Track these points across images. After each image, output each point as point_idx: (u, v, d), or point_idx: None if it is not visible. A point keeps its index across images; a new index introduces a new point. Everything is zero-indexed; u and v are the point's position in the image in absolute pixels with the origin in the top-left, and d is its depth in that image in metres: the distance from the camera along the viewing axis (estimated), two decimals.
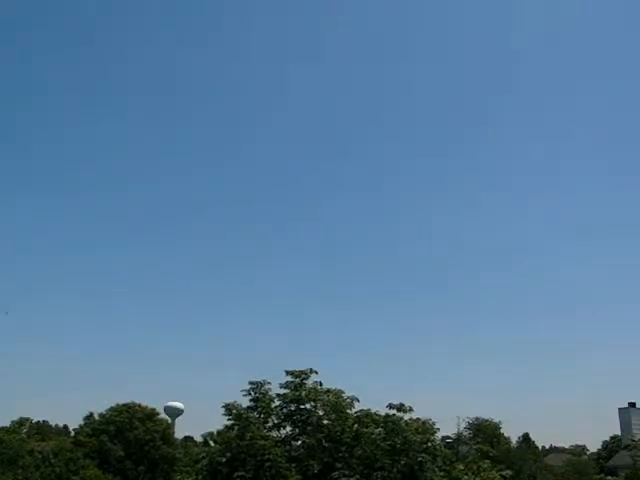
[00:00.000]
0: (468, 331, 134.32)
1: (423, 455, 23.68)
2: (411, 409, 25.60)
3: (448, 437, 40.00)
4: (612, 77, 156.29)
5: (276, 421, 26.54)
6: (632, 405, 63.46)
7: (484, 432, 55.38)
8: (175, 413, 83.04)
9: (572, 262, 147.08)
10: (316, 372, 26.90)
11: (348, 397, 26.34)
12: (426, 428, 24.99)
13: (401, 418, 25.28)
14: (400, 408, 25.56)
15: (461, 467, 24.64)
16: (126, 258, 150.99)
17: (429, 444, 24.77)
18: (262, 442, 24.36)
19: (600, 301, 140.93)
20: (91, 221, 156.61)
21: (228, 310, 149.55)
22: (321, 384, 26.81)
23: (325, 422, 25.63)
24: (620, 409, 64.06)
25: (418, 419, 25.49)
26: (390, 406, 25.80)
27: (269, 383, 26.71)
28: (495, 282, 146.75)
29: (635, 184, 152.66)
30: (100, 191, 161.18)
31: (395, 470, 23.65)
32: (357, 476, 23.51)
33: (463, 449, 28.50)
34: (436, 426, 25.73)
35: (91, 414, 58.35)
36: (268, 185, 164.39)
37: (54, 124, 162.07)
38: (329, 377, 28.26)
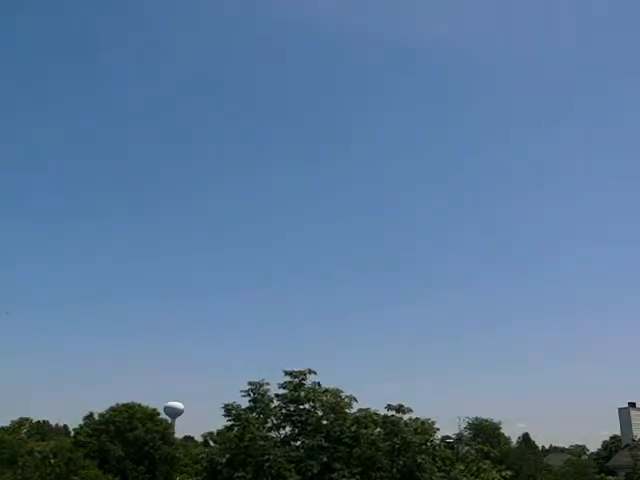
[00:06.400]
0: (468, 331, 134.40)
1: (422, 456, 23.62)
2: (410, 410, 25.57)
3: (448, 437, 39.86)
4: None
5: (275, 422, 26.48)
6: (632, 405, 63.22)
7: (484, 432, 55.29)
8: (175, 413, 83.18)
9: (572, 262, 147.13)
10: (315, 372, 26.84)
11: (346, 397, 26.29)
12: (425, 428, 24.92)
13: (400, 419, 25.21)
14: (399, 409, 25.51)
15: (461, 467, 24.55)
16: (126, 259, 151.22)
17: (428, 444, 24.72)
18: (262, 442, 24.33)
19: (600, 301, 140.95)
20: (91, 225, 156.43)
21: (228, 310, 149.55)
22: (319, 384, 26.75)
23: (324, 422, 25.58)
24: (620, 409, 63.85)
25: (417, 419, 25.43)
26: (389, 407, 25.74)
27: (268, 384, 26.67)
28: (495, 282, 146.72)
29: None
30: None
31: (394, 470, 23.63)
32: (357, 477, 23.48)
33: (463, 449, 28.36)
34: (436, 426, 25.69)
35: (91, 414, 58.36)
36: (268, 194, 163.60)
37: None
38: (329, 377, 28.23)
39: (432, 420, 25.65)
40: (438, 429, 25.92)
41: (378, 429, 25.04)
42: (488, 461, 26.13)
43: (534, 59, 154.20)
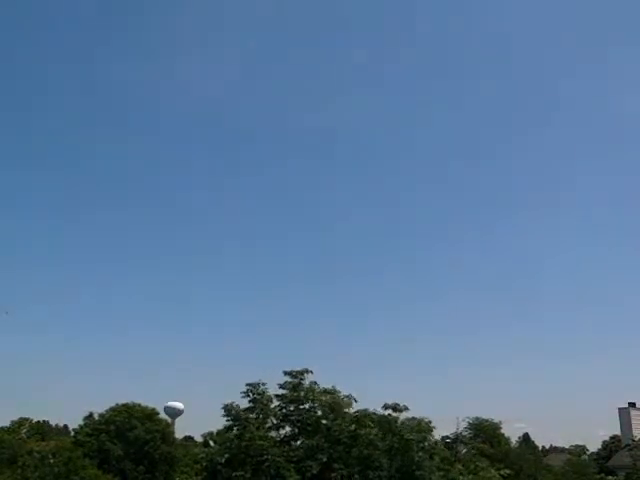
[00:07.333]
0: (468, 331, 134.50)
1: (420, 454, 23.67)
2: (406, 408, 25.63)
3: (448, 437, 39.92)
4: None
5: (275, 421, 26.54)
6: (632, 405, 63.24)
7: (484, 432, 55.27)
8: (175, 413, 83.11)
9: (572, 262, 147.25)
10: (311, 372, 26.92)
11: (345, 397, 26.35)
12: (422, 427, 24.98)
13: (397, 418, 25.28)
14: (395, 408, 25.57)
15: (460, 467, 24.62)
16: (126, 259, 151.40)
17: (426, 443, 24.77)
18: (261, 442, 24.38)
19: (600, 301, 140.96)
20: (91, 224, 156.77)
21: (228, 310, 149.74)
22: (316, 383, 26.81)
23: (324, 422, 25.63)
24: (620, 409, 63.87)
25: (414, 418, 25.50)
26: (385, 406, 25.82)
27: (265, 384, 26.71)
28: (495, 282, 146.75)
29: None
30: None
31: (393, 469, 23.68)
32: (356, 476, 23.55)
33: (462, 449, 28.46)
34: (432, 425, 25.73)
35: (91, 414, 58.33)
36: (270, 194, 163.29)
37: None
38: (329, 377, 28.34)
39: (428, 419, 25.74)
40: (434, 427, 25.98)
41: (376, 429, 25.09)
42: (485, 459, 26.22)
43: (535, 52, 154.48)
